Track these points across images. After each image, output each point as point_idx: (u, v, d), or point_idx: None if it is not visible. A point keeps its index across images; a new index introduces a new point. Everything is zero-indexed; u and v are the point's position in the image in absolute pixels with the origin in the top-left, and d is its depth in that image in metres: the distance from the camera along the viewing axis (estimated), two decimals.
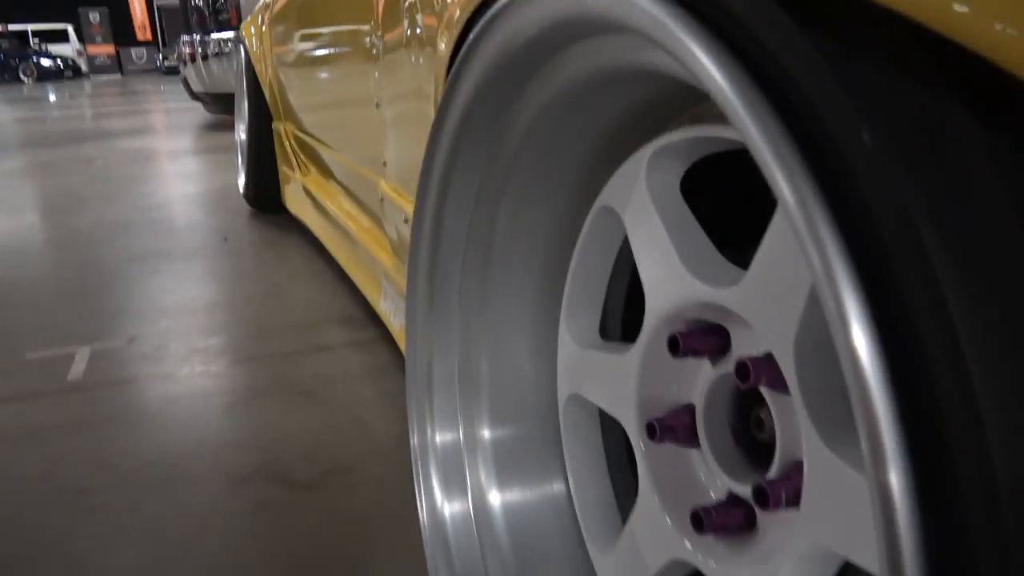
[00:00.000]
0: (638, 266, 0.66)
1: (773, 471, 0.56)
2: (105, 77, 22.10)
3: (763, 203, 0.66)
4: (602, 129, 0.71)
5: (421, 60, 0.98)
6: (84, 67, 22.66)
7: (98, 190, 4.02)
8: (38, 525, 1.22)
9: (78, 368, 1.80)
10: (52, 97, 13.28)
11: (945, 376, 0.29)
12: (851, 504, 0.47)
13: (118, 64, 23.82)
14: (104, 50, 23.45)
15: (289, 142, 2.80)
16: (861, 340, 0.32)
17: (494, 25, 0.58)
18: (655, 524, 0.66)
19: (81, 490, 1.31)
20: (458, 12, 0.69)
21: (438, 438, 0.79)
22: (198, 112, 7.92)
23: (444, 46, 0.71)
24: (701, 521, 0.60)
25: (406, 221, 1.20)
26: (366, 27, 1.43)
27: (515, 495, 0.79)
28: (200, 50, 6.48)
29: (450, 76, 0.67)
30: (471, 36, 0.61)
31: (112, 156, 5.28)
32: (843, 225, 0.32)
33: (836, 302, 0.32)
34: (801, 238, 0.30)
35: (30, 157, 5.41)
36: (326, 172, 2.40)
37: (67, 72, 20.75)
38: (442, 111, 0.69)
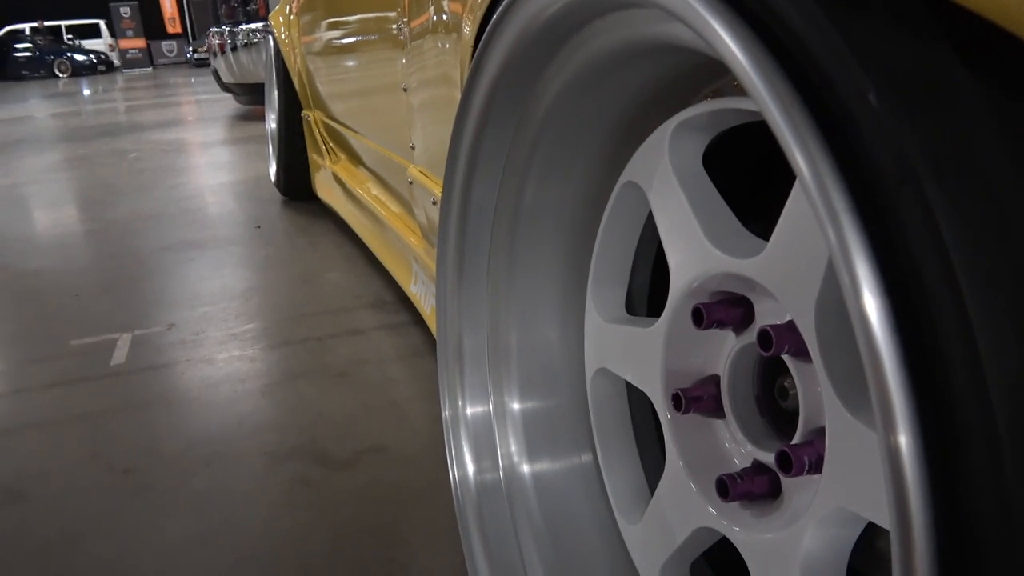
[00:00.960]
0: (662, 239, 0.67)
1: (796, 437, 0.57)
2: (137, 71, 22.41)
3: (782, 175, 0.67)
4: (624, 105, 0.72)
5: (447, 45, 0.99)
6: (116, 61, 22.99)
7: (133, 182, 4.10)
8: (90, 503, 1.27)
9: (120, 354, 1.85)
10: (86, 91, 13.51)
11: (952, 343, 0.30)
12: (872, 467, 0.48)
13: (149, 57, 24.12)
14: (135, 44, 23.76)
15: (319, 130, 2.83)
16: (873, 308, 0.33)
17: (516, 5, 0.60)
18: (682, 493, 0.67)
19: (127, 470, 1.36)
20: None
21: (469, 410, 0.81)
22: (228, 103, 8.01)
23: (468, 29, 0.72)
24: (727, 488, 0.62)
25: (435, 203, 1.22)
26: (392, 14, 1.45)
27: (544, 466, 0.81)
28: (229, 41, 6.55)
29: (475, 57, 0.68)
30: (494, 17, 0.63)
31: (146, 148, 5.37)
32: (856, 196, 0.33)
33: (849, 271, 0.33)
34: (816, 209, 0.31)
35: (67, 151, 5.53)
36: (355, 159, 2.43)
37: (100, 67, 21.07)
38: (468, 92, 0.70)
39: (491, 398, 0.81)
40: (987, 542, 0.28)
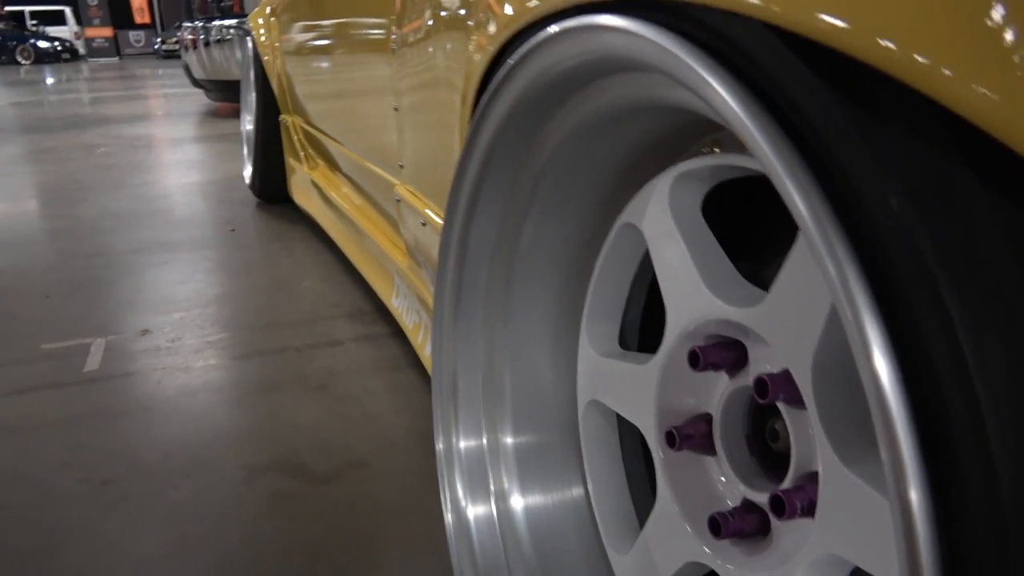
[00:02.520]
0: (660, 283, 0.69)
1: (788, 481, 0.60)
2: (103, 60, 21.99)
3: (774, 225, 0.70)
4: (623, 153, 0.74)
5: (448, 69, 1.00)
6: (81, 50, 22.54)
7: (101, 178, 4.04)
8: (67, 513, 1.26)
9: (94, 359, 1.83)
10: (50, 80, 13.23)
11: (956, 402, 0.33)
12: (864, 516, 0.50)
13: (116, 47, 23.69)
14: (102, 33, 23.32)
15: (297, 135, 2.82)
16: (882, 365, 0.35)
17: (531, 56, 0.62)
18: (673, 527, 0.70)
19: (104, 480, 1.35)
20: (494, 29, 0.72)
21: (463, 444, 0.82)
22: (199, 98, 7.91)
23: (479, 60, 0.74)
24: (718, 526, 0.64)
25: (424, 224, 1.23)
26: (383, 21, 1.45)
27: (536, 498, 0.83)
28: (202, 37, 6.47)
29: (483, 99, 0.70)
30: (509, 63, 0.64)
31: (114, 143, 5.29)
32: (865, 264, 0.36)
33: (859, 332, 0.35)
34: (839, 301, 0.33)
35: (30, 143, 5.41)
36: (335, 167, 2.43)
37: (64, 55, 20.64)
38: (474, 132, 0.72)
39: (484, 433, 0.83)
40: None
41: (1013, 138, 0.29)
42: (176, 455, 1.42)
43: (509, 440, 0.81)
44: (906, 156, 0.31)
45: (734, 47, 0.42)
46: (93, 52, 23.00)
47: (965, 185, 0.31)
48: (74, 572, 1.13)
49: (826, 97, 0.34)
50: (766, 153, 0.36)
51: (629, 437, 0.84)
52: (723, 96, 0.39)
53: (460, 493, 0.81)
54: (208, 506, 1.27)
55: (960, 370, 0.32)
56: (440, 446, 0.82)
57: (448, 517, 0.81)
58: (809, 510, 0.57)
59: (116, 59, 22.47)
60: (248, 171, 3.36)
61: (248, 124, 3.37)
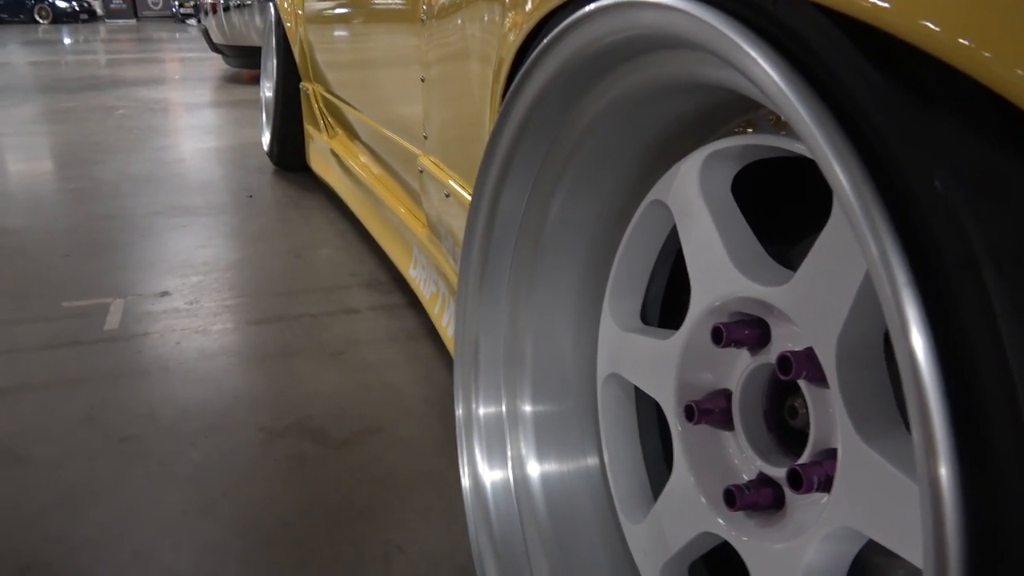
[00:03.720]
0: (687, 260, 0.70)
1: (806, 456, 0.61)
2: (120, 22, 21.93)
3: (802, 207, 0.71)
4: (656, 131, 0.75)
5: (482, 42, 1.01)
6: (99, 10, 22.48)
7: (120, 141, 4.05)
8: (89, 469, 1.29)
9: (113, 319, 1.86)
10: (67, 40, 13.22)
11: (992, 382, 0.33)
12: (881, 491, 0.52)
13: (133, 9, 23.61)
14: None
15: (317, 104, 2.83)
16: (920, 345, 0.36)
17: (567, 33, 0.62)
18: (688, 498, 0.71)
19: (125, 437, 1.38)
20: (531, 6, 0.73)
21: (482, 411, 0.84)
22: (217, 63, 7.90)
23: (513, 37, 0.74)
24: (733, 498, 0.66)
25: (447, 196, 1.25)
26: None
27: (553, 467, 0.85)
28: (222, 1, 6.45)
29: (518, 75, 0.70)
30: (544, 41, 0.65)
31: (132, 106, 5.30)
32: (907, 244, 0.36)
33: (898, 311, 0.36)
34: (879, 280, 0.34)
35: (49, 103, 5.43)
36: (355, 136, 2.43)
37: (82, 15, 20.59)
38: (507, 107, 0.73)
39: (504, 399, 0.84)
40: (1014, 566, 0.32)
41: None
42: (195, 415, 1.45)
43: (528, 408, 0.83)
44: (954, 139, 0.32)
45: (778, 24, 0.43)
46: (111, 13, 22.93)
47: (1013, 171, 0.31)
48: (96, 527, 1.16)
49: (873, 76, 0.35)
50: (810, 130, 0.36)
51: (645, 413, 0.85)
52: (768, 73, 0.40)
53: (478, 458, 0.83)
54: (227, 467, 1.30)
55: (998, 353, 0.32)
56: (460, 411, 0.84)
57: (465, 482, 0.83)
58: (825, 485, 0.59)
59: (133, 21, 22.40)
60: (266, 138, 3.37)
61: (268, 91, 3.37)
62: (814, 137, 0.36)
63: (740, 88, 0.54)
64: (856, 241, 0.52)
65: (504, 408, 0.84)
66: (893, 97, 0.34)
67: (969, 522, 0.33)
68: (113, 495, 1.22)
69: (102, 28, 18.08)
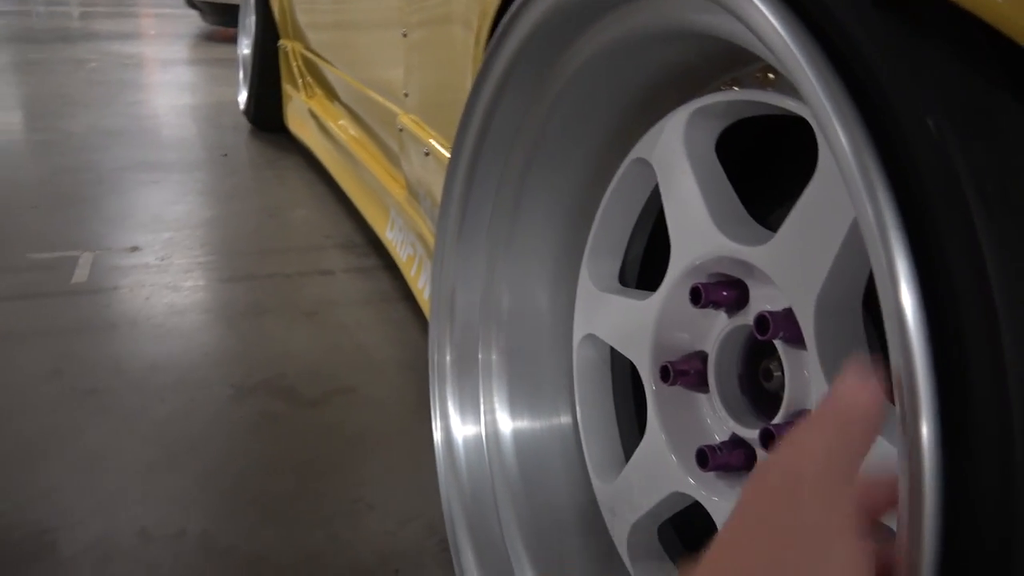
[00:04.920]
0: (667, 218, 0.70)
1: (779, 417, 0.61)
2: None
3: (787, 168, 0.70)
4: (640, 86, 0.73)
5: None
6: None
7: (91, 94, 3.95)
8: (52, 420, 1.26)
9: (82, 272, 1.82)
10: None
11: (979, 342, 0.32)
12: None
13: None
14: None
15: (296, 61, 2.77)
16: (908, 300, 0.35)
17: None
18: (660, 459, 0.71)
19: (91, 390, 1.35)
20: None
21: (456, 364, 0.83)
22: (193, 21, 7.72)
23: None
24: (706, 458, 0.66)
25: (427, 154, 1.23)
26: None
27: (525, 423, 0.84)
28: None
29: (499, 27, 0.69)
30: None
31: (104, 60, 5.16)
32: (903, 209, 0.35)
33: (888, 266, 0.35)
34: (864, 218, 0.33)
35: (17, 54, 5.27)
36: (333, 96, 2.39)
37: None
38: (487, 62, 0.71)
39: (479, 352, 0.84)
40: (990, 527, 0.32)
41: None
42: (163, 371, 1.43)
43: (503, 361, 0.82)
44: (947, 77, 0.31)
45: None
46: None
47: (1007, 110, 0.31)
48: (54, 477, 1.14)
49: (866, 11, 0.34)
50: (798, 61, 0.35)
51: (619, 375, 0.85)
52: (759, 8, 0.39)
53: (451, 411, 0.82)
54: (194, 421, 1.28)
55: (985, 304, 0.31)
56: (434, 362, 0.83)
57: (437, 435, 0.83)
58: None
59: None
60: (243, 96, 3.30)
61: (245, 48, 3.30)
62: (799, 66, 0.35)
63: (727, 34, 0.53)
64: (838, 199, 0.52)
65: (479, 362, 0.83)
66: (886, 31, 0.33)
67: (947, 478, 0.33)
68: (76, 447, 1.20)
69: None
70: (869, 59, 0.33)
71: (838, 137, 0.33)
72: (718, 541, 0.36)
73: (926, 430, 0.33)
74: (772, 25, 0.38)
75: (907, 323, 0.32)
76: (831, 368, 0.55)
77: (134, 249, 1.98)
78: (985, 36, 0.32)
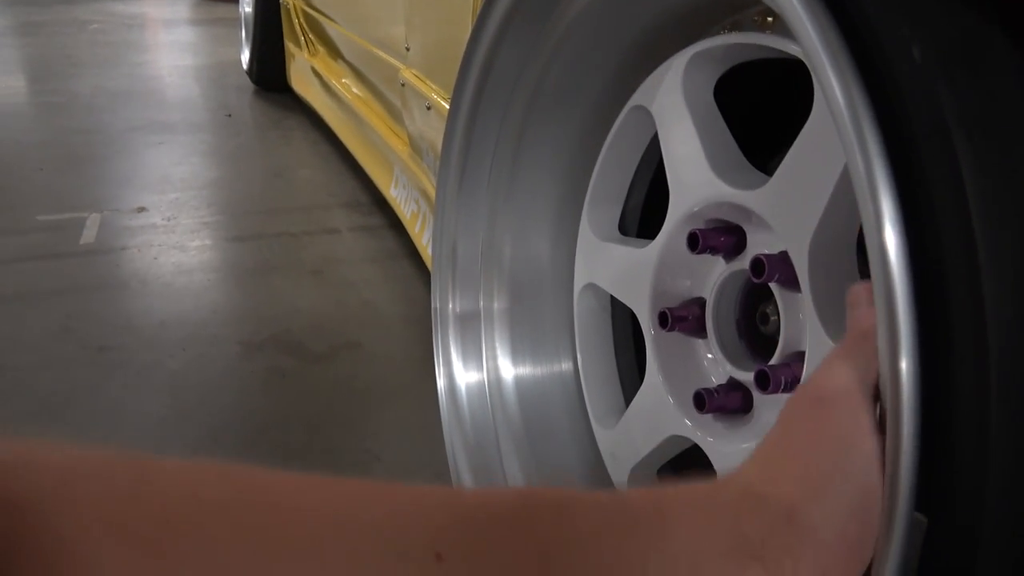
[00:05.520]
0: (666, 165, 0.70)
1: (775, 359, 0.62)
2: None
3: (782, 113, 0.70)
4: (639, 30, 0.73)
5: None
6: None
7: (95, 55, 3.93)
8: (65, 377, 1.29)
9: (90, 233, 1.83)
10: None
11: (960, 282, 0.33)
12: None
13: None
14: None
15: (298, 19, 2.75)
16: (892, 239, 0.36)
17: None
18: (659, 403, 0.72)
19: (102, 347, 1.38)
20: None
21: (459, 311, 0.85)
22: None
23: None
24: (703, 401, 0.67)
25: (429, 108, 1.22)
26: None
27: (527, 370, 0.86)
28: None
29: None
30: None
31: (107, 20, 5.12)
32: (886, 134, 0.35)
33: (873, 205, 0.36)
34: (851, 156, 0.33)
35: (18, 16, 5.23)
36: (336, 53, 2.37)
37: None
38: (484, 12, 0.71)
39: (481, 302, 0.85)
40: (966, 463, 0.33)
41: None
42: (173, 328, 1.45)
43: (505, 310, 0.84)
44: (935, 9, 0.31)
45: None
46: None
47: (994, 44, 0.31)
48: (74, 429, 1.16)
49: None
50: (800, 18, 0.35)
51: (620, 323, 0.86)
52: None
53: (454, 358, 0.83)
54: (205, 377, 1.30)
55: (966, 240, 0.32)
56: (436, 305, 0.84)
57: (440, 383, 0.84)
58: (792, 385, 0.60)
59: None
60: (246, 56, 3.28)
61: (247, 6, 3.26)
62: (792, 7, 0.35)
63: None
64: (832, 141, 0.52)
65: (481, 310, 0.85)
66: None
67: (924, 414, 0.34)
68: (90, 402, 1.23)
69: None
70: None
71: (827, 72, 0.34)
72: (765, 443, 0.44)
73: (905, 365, 0.34)
74: None
75: (890, 262, 0.33)
76: (824, 309, 0.56)
77: (141, 210, 1.99)
78: None
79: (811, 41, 0.34)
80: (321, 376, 1.31)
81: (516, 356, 0.85)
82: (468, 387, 0.84)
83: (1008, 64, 0.31)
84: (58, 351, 1.36)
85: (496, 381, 0.84)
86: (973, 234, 0.30)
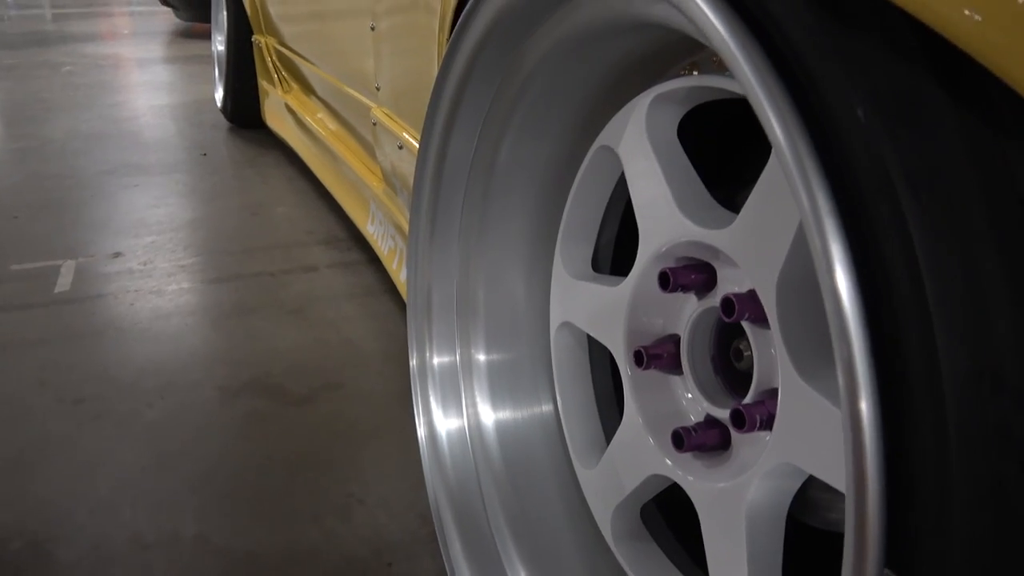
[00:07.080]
0: (634, 206, 0.70)
1: (749, 397, 0.62)
2: None
3: (747, 151, 0.71)
4: (604, 72, 0.74)
5: None
6: None
7: (68, 98, 3.92)
8: (43, 430, 1.27)
9: (64, 281, 1.82)
10: None
11: (910, 320, 0.34)
12: (819, 427, 0.53)
13: None
14: None
15: (271, 57, 2.75)
16: (843, 282, 0.37)
17: None
18: (638, 442, 0.72)
19: (78, 399, 1.36)
20: None
21: (436, 360, 0.84)
22: (167, 17, 7.64)
23: None
24: (681, 440, 0.67)
25: (400, 147, 1.23)
26: None
27: (507, 414, 0.85)
28: None
29: (461, 16, 0.69)
30: None
31: (80, 62, 5.11)
32: (832, 180, 0.37)
33: (823, 248, 0.37)
34: (802, 208, 0.34)
35: None
36: (309, 90, 2.38)
37: None
38: (452, 48, 0.71)
39: (458, 348, 0.84)
40: (927, 505, 0.33)
41: (986, 54, 0.29)
42: (151, 375, 1.43)
43: (482, 356, 0.83)
44: (877, 68, 0.32)
45: None
46: None
47: (933, 100, 0.31)
48: (49, 484, 1.14)
49: (799, 5, 0.34)
50: (735, 57, 0.36)
51: (598, 360, 0.86)
52: (700, 8, 0.39)
53: (433, 407, 0.83)
54: (184, 425, 1.29)
55: (915, 286, 0.33)
56: (414, 361, 0.83)
57: (421, 431, 0.84)
58: (767, 423, 0.60)
59: None
60: (219, 94, 3.28)
61: (219, 45, 3.27)
62: (737, 62, 0.36)
63: (677, 24, 0.53)
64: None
65: (458, 356, 0.84)
66: (818, 25, 0.34)
67: (886, 453, 0.34)
68: (67, 455, 1.21)
69: None
70: (802, 52, 0.34)
71: (773, 129, 0.34)
72: None
73: (864, 407, 0.34)
74: (709, 18, 0.38)
75: (843, 304, 0.33)
76: (794, 346, 0.56)
77: (117, 255, 1.97)
78: (910, 27, 0.32)
79: (760, 102, 0.35)
80: (301, 418, 1.30)
81: (496, 400, 0.84)
82: (449, 434, 0.83)
83: (946, 119, 0.31)
84: (33, 403, 1.34)
85: (477, 427, 0.83)
86: (925, 292, 0.31)
